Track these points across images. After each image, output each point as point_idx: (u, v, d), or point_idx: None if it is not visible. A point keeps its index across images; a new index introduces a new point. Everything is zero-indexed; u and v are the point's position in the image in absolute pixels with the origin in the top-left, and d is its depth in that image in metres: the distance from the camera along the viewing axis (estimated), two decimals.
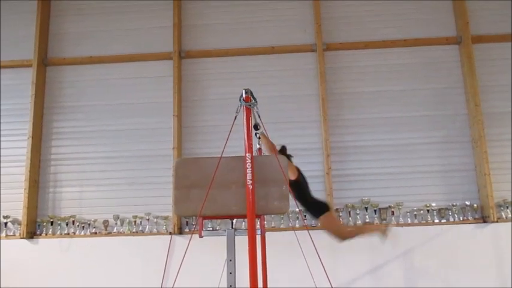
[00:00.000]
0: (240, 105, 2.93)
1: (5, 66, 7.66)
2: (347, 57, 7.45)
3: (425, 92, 7.26)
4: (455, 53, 7.35)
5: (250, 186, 2.78)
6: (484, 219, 6.64)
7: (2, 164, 7.34)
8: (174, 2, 7.64)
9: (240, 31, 7.66)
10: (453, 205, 6.74)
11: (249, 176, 2.79)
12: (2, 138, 7.44)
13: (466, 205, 6.76)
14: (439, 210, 6.76)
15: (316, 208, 4.74)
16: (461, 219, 6.71)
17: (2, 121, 7.52)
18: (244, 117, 2.89)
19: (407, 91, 7.27)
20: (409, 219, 6.77)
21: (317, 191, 6.87)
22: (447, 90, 7.25)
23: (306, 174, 6.81)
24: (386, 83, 7.32)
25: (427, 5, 7.55)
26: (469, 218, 6.71)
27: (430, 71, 7.33)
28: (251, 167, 2.81)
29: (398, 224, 6.70)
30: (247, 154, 2.84)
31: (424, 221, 6.74)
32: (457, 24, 7.39)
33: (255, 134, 4.37)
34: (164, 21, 7.65)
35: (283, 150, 4.88)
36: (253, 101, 2.96)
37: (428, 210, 6.76)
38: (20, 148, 7.28)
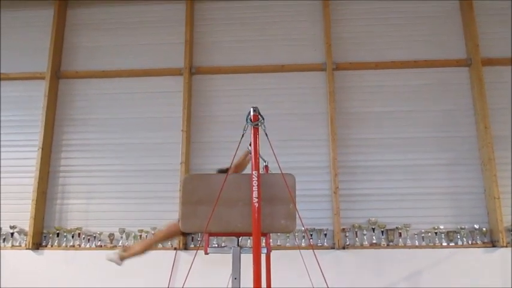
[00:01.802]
0: (247, 125, 2.93)
1: (18, 78, 7.81)
2: (357, 77, 7.47)
3: (434, 114, 7.24)
4: (465, 75, 7.34)
5: (256, 204, 2.76)
6: (493, 244, 6.54)
7: (11, 175, 7.40)
8: (187, 20, 7.76)
9: (250, 49, 7.74)
10: (462, 228, 6.65)
11: (255, 194, 2.78)
12: (12, 149, 7.53)
13: (475, 228, 6.66)
14: (448, 233, 6.67)
15: None
16: (470, 242, 6.61)
17: (12, 132, 7.62)
18: (252, 136, 2.90)
19: (416, 112, 7.26)
20: (416, 241, 6.68)
21: (324, 210, 6.87)
22: (457, 112, 7.22)
23: (313, 193, 6.81)
24: (395, 103, 7.32)
25: (437, 27, 7.59)
26: (478, 241, 6.61)
27: (439, 92, 7.32)
28: (257, 185, 2.80)
29: (405, 246, 6.62)
30: (253, 172, 2.83)
31: (432, 244, 6.65)
32: (467, 47, 7.40)
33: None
34: (176, 38, 7.77)
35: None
36: (261, 119, 2.96)
37: (436, 233, 6.68)
38: (29, 159, 7.36)
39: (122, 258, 4.39)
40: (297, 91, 7.49)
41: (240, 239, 3.21)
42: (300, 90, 7.50)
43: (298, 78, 7.54)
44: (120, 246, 6.90)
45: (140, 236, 6.96)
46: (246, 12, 7.93)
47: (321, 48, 7.59)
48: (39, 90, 7.61)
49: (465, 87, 7.29)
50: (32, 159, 7.33)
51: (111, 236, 7.02)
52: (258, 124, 2.91)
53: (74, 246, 7.01)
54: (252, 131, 2.90)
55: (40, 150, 7.30)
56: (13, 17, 8.20)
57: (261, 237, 2.79)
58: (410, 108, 7.27)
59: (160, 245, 6.88)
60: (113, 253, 4.36)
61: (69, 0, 8.20)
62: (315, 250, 4.03)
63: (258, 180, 2.80)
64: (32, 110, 7.62)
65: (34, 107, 7.60)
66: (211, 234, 3.28)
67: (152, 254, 6.68)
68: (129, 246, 4.44)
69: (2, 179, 7.39)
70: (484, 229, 6.63)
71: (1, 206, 7.27)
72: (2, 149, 7.54)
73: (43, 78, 7.65)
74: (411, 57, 7.45)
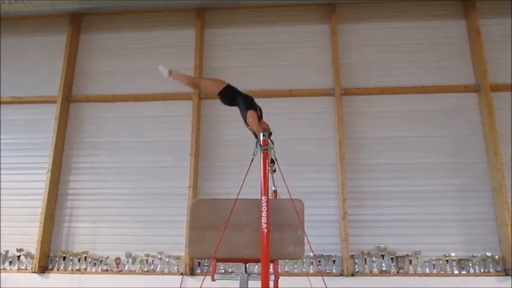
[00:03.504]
0: (256, 150, 2.94)
1: (30, 102, 7.93)
2: (365, 102, 7.49)
3: (443, 139, 7.20)
4: (474, 101, 7.33)
5: (265, 230, 2.74)
6: (506, 272, 6.38)
7: (19, 197, 7.43)
8: (196, 45, 7.89)
9: (258, 74, 7.81)
10: (473, 256, 6.52)
11: (264, 220, 2.76)
12: (22, 171, 7.58)
13: (487, 256, 6.52)
14: (459, 260, 6.54)
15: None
16: (482, 271, 6.46)
17: (23, 154, 7.69)
18: (261, 161, 2.89)
19: (425, 137, 7.22)
20: (427, 269, 6.54)
21: (332, 236, 6.78)
22: (466, 138, 7.18)
23: (321, 218, 6.72)
24: (404, 128, 7.30)
25: (445, 52, 7.63)
26: (491, 270, 6.45)
27: (448, 118, 7.30)
28: (267, 211, 2.78)
29: (416, 274, 6.48)
30: (263, 197, 2.82)
31: (443, 272, 6.50)
32: (475, 73, 7.41)
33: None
34: (186, 63, 7.85)
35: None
36: (270, 144, 2.96)
37: (447, 261, 6.54)
38: (38, 182, 7.39)
39: (170, 74, 4.71)
40: (306, 116, 7.51)
41: (247, 265, 3.17)
42: (308, 115, 7.52)
43: (306, 103, 7.57)
44: (126, 270, 6.85)
45: (147, 260, 6.90)
46: (255, 38, 8.05)
47: (329, 73, 7.65)
48: (51, 113, 7.71)
49: (474, 113, 7.27)
50: (40, 181, 7.37)
51: (117, 260, 6.97)
52: (267, 149, 2.92)
53: (79, 270, 6.96)
54: (262, 156, 2.90)
55: (49, 173, 7.34)
56: (26, 42, 8.42)
57: (269, 264, 2.76)
58: (419, 133, 7.24)
59: (166, 270, 6.83)
60: (164, 67, 4.71)
61: (82, 27, 8.39)
62: (324, 277, 3.95)
63: (267, 206, 2.79)
64: (42, 133, 7.71)
65: (44, 130, 7.69)
66: (218, 260, 3.25)
67: (159, 278, 6.68)
68: (180, 73, 4.76)
69: (10, 201, 7.42)
70: (496, 257, 6.49)
71: (9, 228, 7.26)
72: (11, 172, 7.59)
73: (54, 102, 7.77)
74: (419, 82, 7.47)
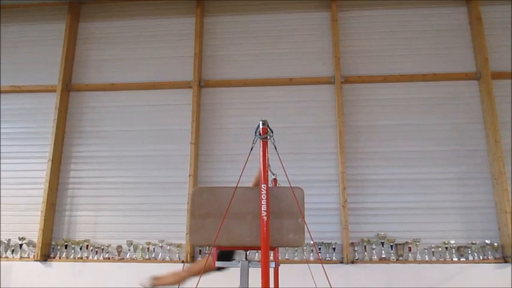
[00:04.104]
0: (256, 138, 2.94)
1: (30, 91, 7.92)
2: (365, 90, 7.47)
3: (444, 127, 7.20)
4: (475, 89, 7.31)
5: (265, 218, 2.75)
6: (505, 259, 6.42)
7: (20, 186, 7.46)
8: (196, 34, 7.85)
9: (258, 62, 7.78)
10: (473, 243, 6.56)
11: (264, 208, 2.77)
12: (22, 161, 7.61)
13: (486, 244, 6.57)
14: (458, 248, 6.58)
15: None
16: (481, 258, 6.51)
17: (23, 144, 7.71)
18: (261, 149, 2.89)
19: (426, 125, 7.22)
20: (426, 256, 6.60)
21: (332, 223, 6.83)
22: (466, 126, 7.18)
23: (321, 206, 6.73)
24: (404, 116, 7.29)
25: (446, 40, 7.59)
26: (490, 257, 6.50)
27: (449, 106, 7.29)
28: (266, 198, 2.79)
29: (415, 261, 6.53)
30: (262, 185, 2.82)
31: (443, 259, 6.55)
32: (476, 60, 7.39)
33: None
34: (185, 52, 7.85)
35: None
36: (270, 132, 2.95)
37: (446, 248, 6.59)
38: (39, 171, 7.42)
39: (153, 286, 4.37)
40: (306, 104, 7.50)
41: (248, 252, 3.19)
42: (308, 103, 7.51)
43: (306, 92, 7.56)
44: (127, 258, 6.91)
45: (148, 248, 6.95)
46: (255, 25, 8.00)
47: (330, 61, 7.62)
48: (50, 102, 7.70)
49: (475, 101, 7.26)
50: (41, 171, 7.39)
51: (119, 248, 7.03)
52: (267, 137, 2.91)
53: (81, 258, 7.01)
54: (261, 144, 2.90)
55: (50, 162, 7.36)
56: (25, 31, 8.36)
57: (270, 251, 2.77)
58: (420, 121, 7.24)
59: (168, 258, 6.88)
60: (146, 279, 4.34)
61: (81, 15, 8.34)
62: (323, 264, 3.98)
63: (267, 194, 2.79)
64: (42, 122, 7.70)
65: (45, 119, 7.69)
66: (219, 248, 3.26)
67: (160, 266, 6.72)
68: (161, 276, 4.42)
69: (11, 191, 7.46)
70: (495, 244, 6.54)
71: (10, 217, 7.32)
72: (12, 161, 7.62)
73: (54, 90, 7.75)
74: (420, 70, 7.44)
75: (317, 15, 7.93)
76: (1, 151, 7.68)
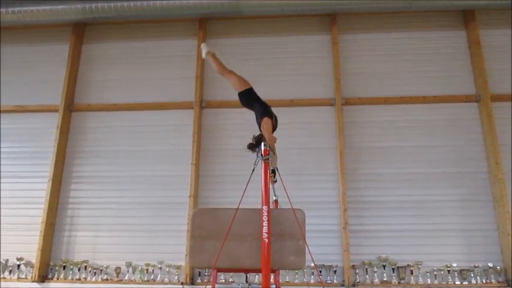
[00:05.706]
0: (258, 159, 2.95)
1: (33, 111, 7.96)
2: (366, 112, 7.51)
3: (444, 149, 7.20)
4: (475, 111, 7.35)
5: (266, 240, 2.74)
6: (508, 283, 6.34)
7: (20, 206, 7.42)
8: (198, 55, 7.91)
9: (260, 84, 7.69)
10: (475, 266, 6.48)
11: (265, 229, 2.76)
12: (23, 180, 7.59)
13: (489, 267, 6.49)
14: (461, 271, 6.50)
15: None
16: (484, 281, 6.42)
17: (24, 163, 7.70)
18: (262, 170, 2.90)
19: (426, 147, 7.23)
20: (429, 279, 6.51)
21: (333, 246, 6.76)
22: (467, 148, 7.18)
23: (322, 228, 6.71)
24: (405, 138, 7.31)
25: (446, 63, 7.67)
26: (493, 280, 6.42)
27: (449, 128, 7.31)
28: (267, 220, 2.78)
29: (417, 284, 6.45)
30: (264, 207, 2.82)
31: (445, 282, 6.47)
32: (476, 83, 7.44)
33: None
34: (187, 73, 7.93)
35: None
36: (271, 153, 2.97)
37: (449, 271, 6.51)
38: (39, 190, 7.39)
39: (208, 55, 4.93)
40: (307, 126, 7.53)
41: (248, 275, 3.17)
42: (309, 124, 7.53)
43: (307, 113, 7.59)
44: (126, 279, 6.81)
45: (147, 269, 6.87)
46: (256, 47, 8.10)
47: (330, 83, 7.68)
48: (53, 122, 7.74)
49: (475, 123, 7.29)
50: (41, 190, 7.36)
51: (117, 269, 6.95)
52: (268, 159, 2.93)
53: (79, 279, 6.93)
54: (263, 165, 2.91)
55: (50, 181, 7.34)
56: (29, 51, 8.46)
57: (270, 274, 2.75)
58: (420, 143, 7.25)
59: (167, 279, 6.79)
60: (206, 46, 4.98)
61: (85, 36, 8.45)
62: (325, 287, 3.94)
63: (268, 216, 2.79)
64: (44, 142, 7.72)
65: (46, 139, 7.70)
66: (219, 270, 3.24)
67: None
68: (217, 59, 4.94)
69: (11, 210, 7.41)
70: (498, 267, 6.46)
71: (9, 237, 7.25)
72: (13, 180, 7.60)
73: (56, 110, 7.79)
74: (420, 93, 7.49)
75: (318, 37, 8.04)
76: (2, 170, 7.67)
